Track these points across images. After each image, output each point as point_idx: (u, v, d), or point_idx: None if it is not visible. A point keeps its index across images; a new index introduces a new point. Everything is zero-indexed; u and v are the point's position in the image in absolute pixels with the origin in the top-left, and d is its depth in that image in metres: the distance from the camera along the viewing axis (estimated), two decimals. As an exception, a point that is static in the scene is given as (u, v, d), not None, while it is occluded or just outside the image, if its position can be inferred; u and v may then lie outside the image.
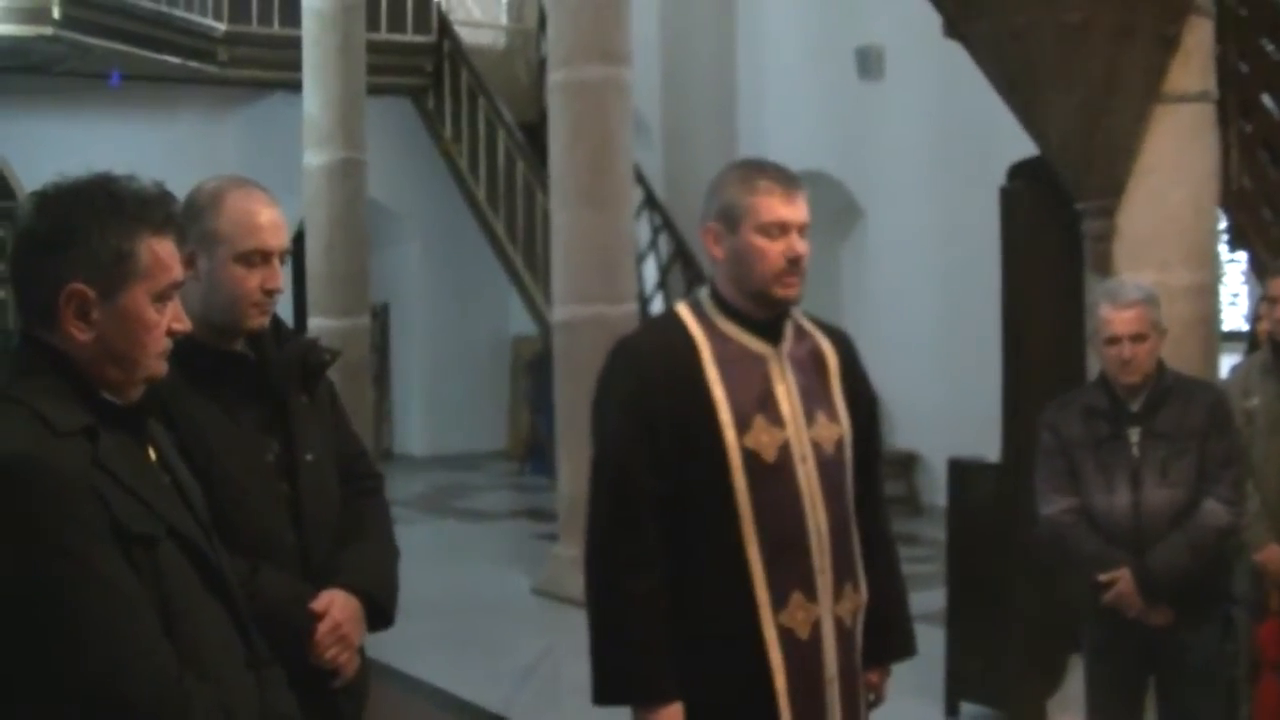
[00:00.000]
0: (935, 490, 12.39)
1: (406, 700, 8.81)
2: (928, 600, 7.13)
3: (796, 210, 3.70)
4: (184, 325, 2.66)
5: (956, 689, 7.62)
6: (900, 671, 4.17)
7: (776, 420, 3.72)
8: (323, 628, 3.38)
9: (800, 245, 3.69)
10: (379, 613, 3.59)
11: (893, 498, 7.29)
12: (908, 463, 14.59)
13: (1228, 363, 6.81)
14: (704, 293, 3.89)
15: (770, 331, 3.80)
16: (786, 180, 3.74)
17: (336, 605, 3.43)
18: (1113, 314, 5.18)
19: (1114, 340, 5.16)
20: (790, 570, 3.69)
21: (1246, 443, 5.62)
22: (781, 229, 3.67)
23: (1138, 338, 5.14)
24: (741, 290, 3.76)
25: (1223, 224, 7.58)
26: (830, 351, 3.92)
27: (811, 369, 3.85)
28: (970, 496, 7.65)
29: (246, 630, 2.73)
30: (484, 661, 9.57)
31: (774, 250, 3.67)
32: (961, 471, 7.80)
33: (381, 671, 8.82)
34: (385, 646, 9.00)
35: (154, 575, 2.48)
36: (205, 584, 2.62)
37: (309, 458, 3.49)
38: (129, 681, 2.38)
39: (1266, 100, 7.94)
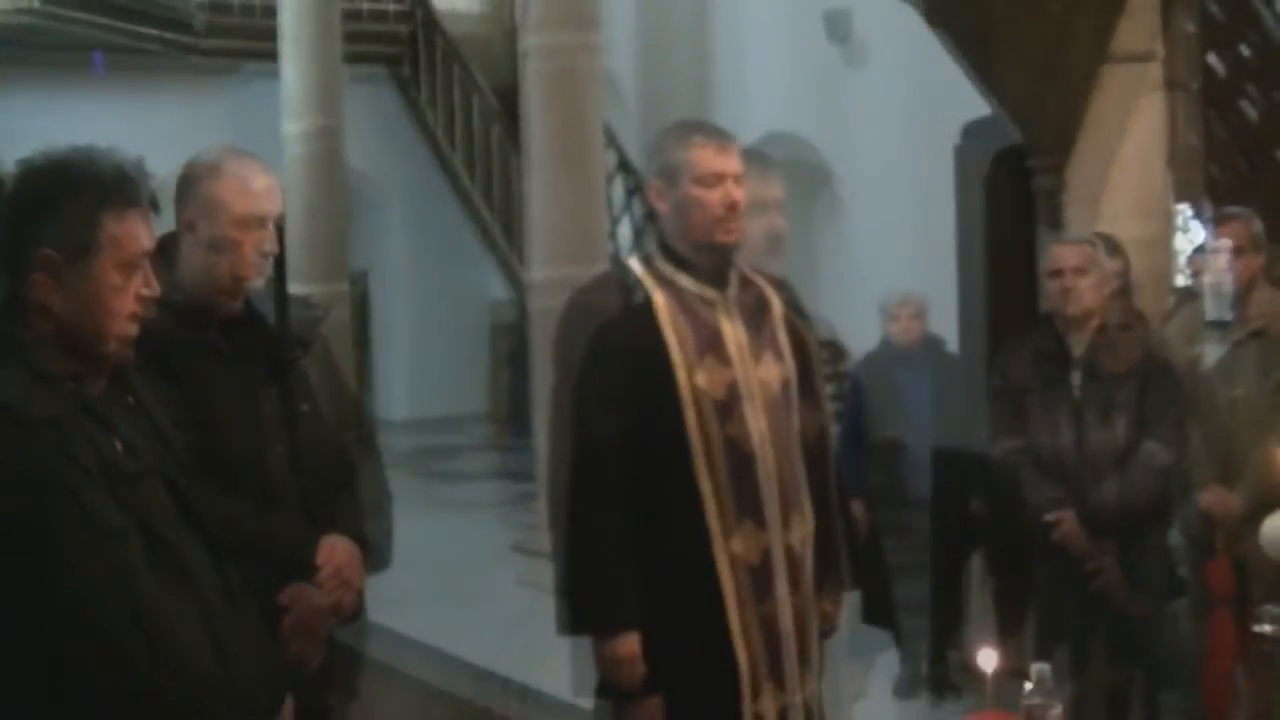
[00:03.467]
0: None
1: (392, 654, 8.99)
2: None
3: (730, 161, 3.97)
4: (152, 290, 2.84)
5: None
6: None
7: (724, 360, 3.96)
8: (326, 571, 3.59)
9: (736, 193, 3.94)
10: (377, 555, 3.80)
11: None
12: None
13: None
14: (653, 246, 4.14)
15: (716, 279, 4.03)
16: (719, 135, 4.03)
17: (339, 551, 3.64)
18: (1058, 250, 5.47)
19: (1057, 273, 5.41)
20: (740, 501, 3.93)
21: (1190, 390, 5.79)
22: (718, 179, 3.93)
23: (1079, 271, 5.38)
24: (686, 240, 4.01)
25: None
26: (774, 297, 4.17)
27: (757, 313, 4.09)
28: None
29: (221, 562, 2.94)
30: (467, 616, 9.80)
31: (712, 198, 3.92)
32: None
33: (367, 626, 9.07)
34: (369, 601, 9.21)
35: (137, 510, 2.69)
36: (183, 519, 2.83)
37: (305, 408, 3.71)
38: (117, 605, 2.59)
39: (1212, 59, 8.12)
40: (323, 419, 3.81)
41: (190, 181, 3.57)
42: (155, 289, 2.86)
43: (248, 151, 3.73)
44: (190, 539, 2.84)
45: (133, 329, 2.82)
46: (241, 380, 3.58)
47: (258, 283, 3.68)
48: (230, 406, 3.51)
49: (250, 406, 3.58)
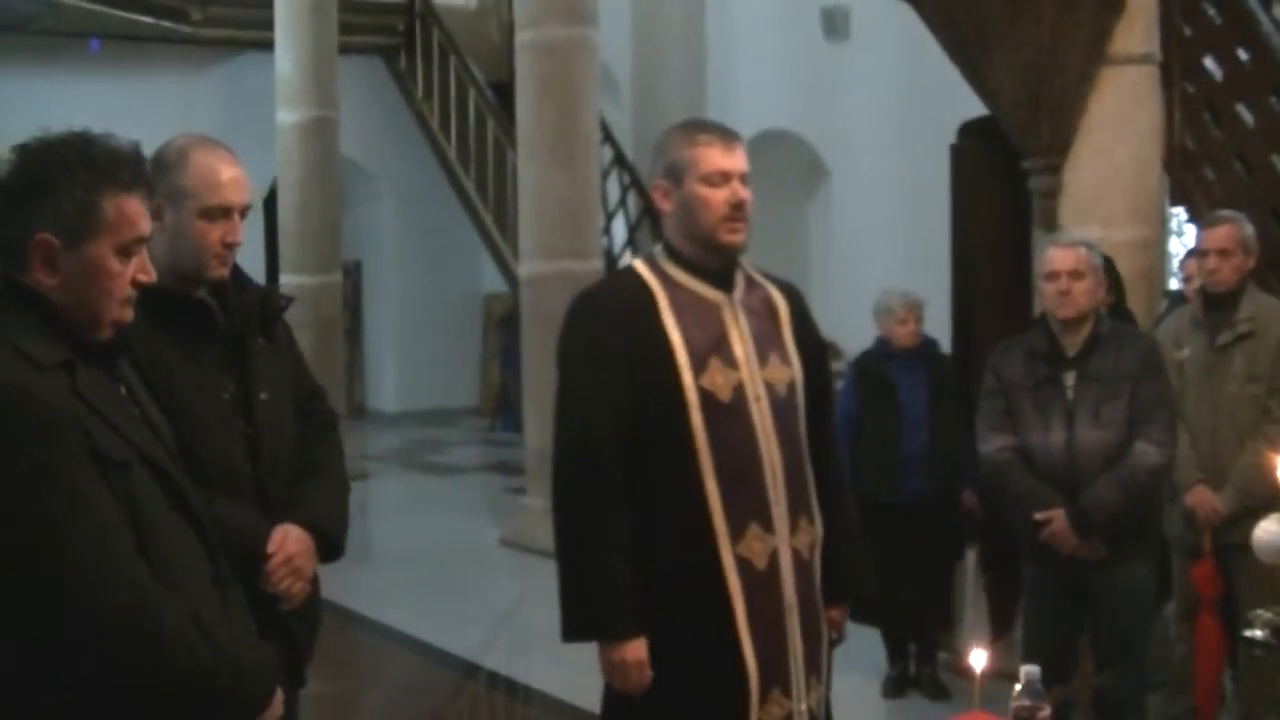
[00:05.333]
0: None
1: (381, 646, 9.04)
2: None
3: (736, 160, 3.91)
4: (149, 276, 2.84)
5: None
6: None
7: (730, 362, 3.91)
8: (277, 559, 3.59)
9: (742, 191, 3.90)
10: (331, 545, 3.80)
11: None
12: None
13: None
14: (658, 247, 4.09)
15: (722, 280, 3.99)
16: (725, 133, 3.96)
17: (291, 539, 3.64)
18: (1055, 253, 5.47)
19: (1053, 276, 5.42)
20: (746, 503, 3.88)
21: (1178, 393, 5.82)
22: (723, 177, 3.87)
23: (1075, 274, 5.38)
24: (691, 239, 3.95)
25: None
26: (781, 300, 4.12)
27: (764, 315, 4.05)
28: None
29: (212, 551, 2.94)
30: (455, 609, 9.79)
31: (717, 198, 3.87)
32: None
33: (356, 619, 9.11)
34: (359, 594, 9.30)
35: (128, 498, 2.69)
36: (173, 507, 2.82)
37: (264, 396, 3.69)
38: (107, 591, 2.59)
39: (1209, 63, 8.13)
40: (283, 407, 3.79)
41: (157, 169, 3.54)
42: (151, 274, 2.86)
43: (217, 141, 3.72)
44: (180, 528, 2.84)
45: (128, 314, 2.82)
46: (201, 368, 3.58)
47: (222, 273, 3.66)
48: (189, 394, 3.49)
49: (209, 394, 3.58)
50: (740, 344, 3.95)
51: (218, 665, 2.72)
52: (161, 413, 3.04)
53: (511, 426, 17.28)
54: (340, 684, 8.09)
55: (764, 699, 3.90)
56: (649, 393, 3.86)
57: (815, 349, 4.22)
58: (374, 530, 12.79)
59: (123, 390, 2.87)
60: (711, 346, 3.91)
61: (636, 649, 3.85)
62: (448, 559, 11.51)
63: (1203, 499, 5.96)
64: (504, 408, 18.84)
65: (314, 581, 3.78)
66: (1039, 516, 5.40)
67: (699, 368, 3.88)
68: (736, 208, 3.88)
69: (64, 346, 2.71)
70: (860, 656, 7.55)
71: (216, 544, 2.97)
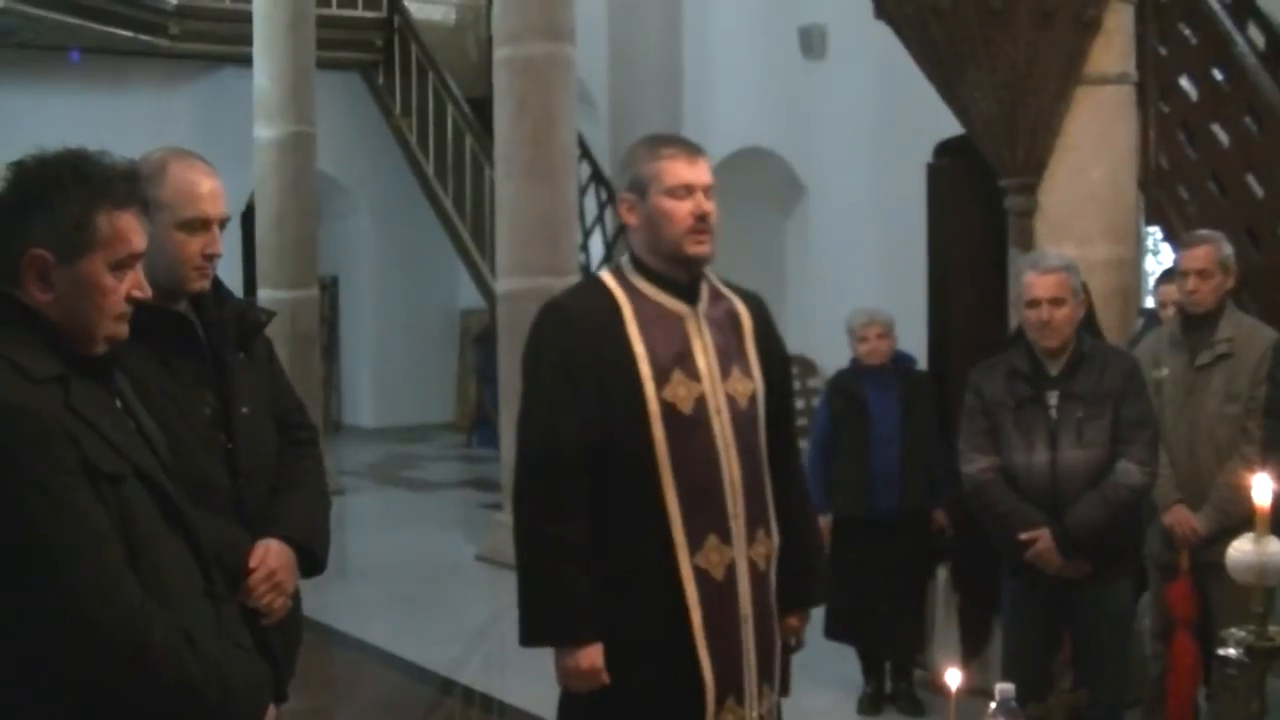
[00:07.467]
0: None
1: (356, 662, 9.01)
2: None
3: (699, 173, 3.95)
4: (144, 292, 2.86)
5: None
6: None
7: (693, 375, 3.96)
8: (258, 574, 3.59)
9: (706, 203, 3.93)
10: (311, 559, 3.80)
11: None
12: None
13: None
14: (625, 259, 4.13)
15: (687, 292, 4.03)
16: (688, 147, 4.01)
17: (272, 553, 3.64)
18: (1034, 279, 5.44)
19: (1034, 304, 5.41)
20: (706, 515, 3.92)
21: (1156, 412, 5.83)
22: (687, 190, 3.92)
23: (1056, 301, 5.38)
24: (657, 252, 4.00)
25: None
26: (745, 312, 4.16)
27: (727, 328, 4.09)
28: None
29: (205, 564, 2.95)
30: (431, 625, 9.80)
31: (681, 210, 3.91)
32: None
33: (331, 634, 9.08)
34: (334, 610, 9.26)
35: (120, 510, 2.69)
36: (167, 520, 2.83)
37: (244, 411, 3.69)
38: (96, 605, 2.59)
39: (1184, 83, 8.17)
40: (263, 422, 3.80)
41: None
42: (147, 291, 2.88)
43: (195, 153, 3.73)
44: (174, 542, 2.85)
45: (122, 330, 2.84)
46: (180, 382, 3.58)
47: (203, 285, 3.66)
48: (167, 407, 3.47)
49: (188, 408, 3.57)
50: (703, 357, 4.00)
51: (206, 681, 2.72)
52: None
53: (489, 442, 17.23)
54: (316, 700, 8.06)
55: (719, 708, 3.95)
56: (612, 404, 3.91)
57: (778, 359, 4.27)
58: (350, 546, 12.75)
59: (118, 404, 2.88)
60: (675, 359, 3.96)
61: (591, 656, 3.91)
62: (424, 575, 11.47)
63: (1181, 518, 5.97)
64: (481, 423, 18.82)
65: (295, 597, 3.79)
66: (1024, 537, 5.40)
67: (662, 380, 3.93)
68: (701, 219, 3.92)
69: (57, 361, 2.73)
70: (836, 673, 7.56)
71: (211, 558, 2.97)
